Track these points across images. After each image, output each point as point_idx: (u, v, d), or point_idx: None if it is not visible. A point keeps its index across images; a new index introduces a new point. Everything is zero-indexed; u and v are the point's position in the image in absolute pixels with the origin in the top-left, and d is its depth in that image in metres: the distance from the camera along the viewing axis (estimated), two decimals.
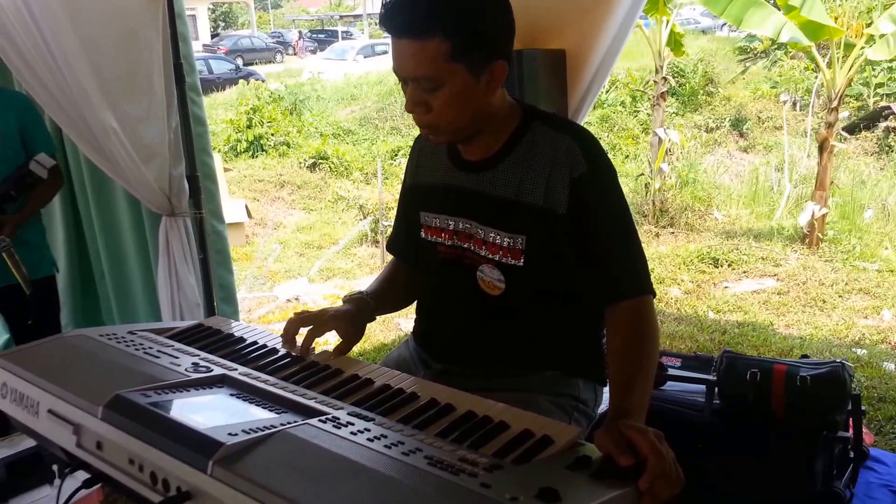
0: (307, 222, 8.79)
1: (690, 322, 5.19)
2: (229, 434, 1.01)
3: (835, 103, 7.00)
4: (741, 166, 10.45)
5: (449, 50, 1.30)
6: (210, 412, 1.14)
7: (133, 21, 2.48)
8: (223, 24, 36.14)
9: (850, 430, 2.46)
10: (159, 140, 2.67)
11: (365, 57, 20.96)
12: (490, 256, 1.45)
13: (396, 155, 10.93)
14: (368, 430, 1.08)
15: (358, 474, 0.93)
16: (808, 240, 7.04)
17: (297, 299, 6.06)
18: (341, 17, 37.84)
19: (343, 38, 28.70)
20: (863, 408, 2.45)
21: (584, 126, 1.63)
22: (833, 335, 4.96)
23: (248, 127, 11.65)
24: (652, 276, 1.45)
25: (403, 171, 1.73)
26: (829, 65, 7.06)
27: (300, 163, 10.67)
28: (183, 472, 0.99)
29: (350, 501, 0.87)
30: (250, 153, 11.38)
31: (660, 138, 8.21)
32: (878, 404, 3.65)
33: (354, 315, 1.56)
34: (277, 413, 1.14)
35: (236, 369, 1.34)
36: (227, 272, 3.19)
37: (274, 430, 1.04)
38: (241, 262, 6.97)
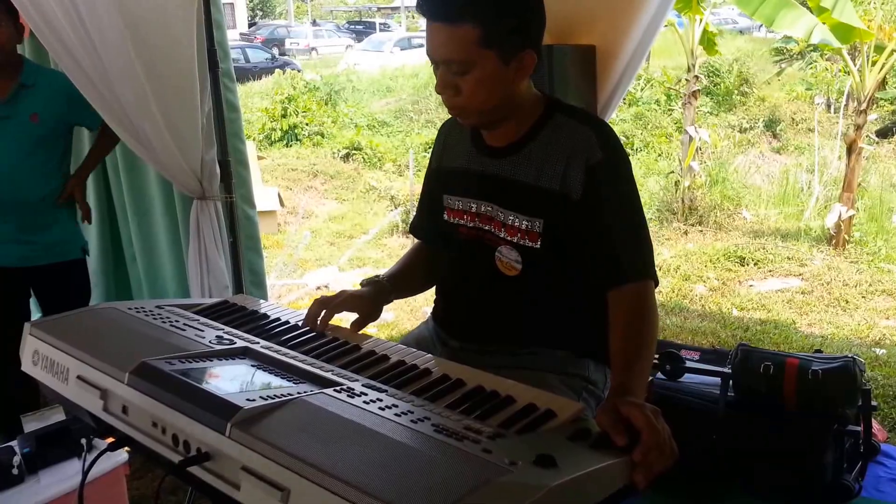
0: (339, 212, 8.88)
1: (714, 318, 5.20)
2: (247, 399, 1.06)
3: (864, 106, 6.95)
4: (773, 167, 10.34)
5: (480, 36, 1.35)
6: (230, 380, 1.19)
7: (169, 6, 2.54)
8: (260, 13, 36.48)
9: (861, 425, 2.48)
10: (192, 124, 2.72)
11: (402, 49, 21.01)
12: (508, 238, 1.49)
13: (429, 147, 10.95)
14: (381, 401, 1.12)
15: (367, 438, 0.97)
16: (834, 241, 7.00)
17: (326, 287, 6.13)
18: (379, 8, 37.96)
19: (380, 30, 28.83)
20: (874, 403, 2.47)
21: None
22: (854, 335, 4.95)
23: (283, 116, 11.77)
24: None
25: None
26: (860, 68, 6.99)
27: (334, 153, 10.76)
28: (203, 434, 1.04)
29: (358, 462, 0.91)
30: (284, 142, 11.50)
31: (690, 136, 8.16)
32: (893, 402, 3.64)
33: (371, 296, 1.61)
34: (295, 383, 1.19)
35: (258, 343, 1.39)
36: (257, 256, 3.25)
37: (290, 397, 1.09)
38: (272, 250, 7.07)
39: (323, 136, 11.55)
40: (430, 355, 1.40)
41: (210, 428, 1.03)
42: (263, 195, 7.23)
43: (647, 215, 7.84)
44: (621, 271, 1.41)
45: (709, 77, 11.92)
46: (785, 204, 8.77)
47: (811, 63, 12.91)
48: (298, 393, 1.12)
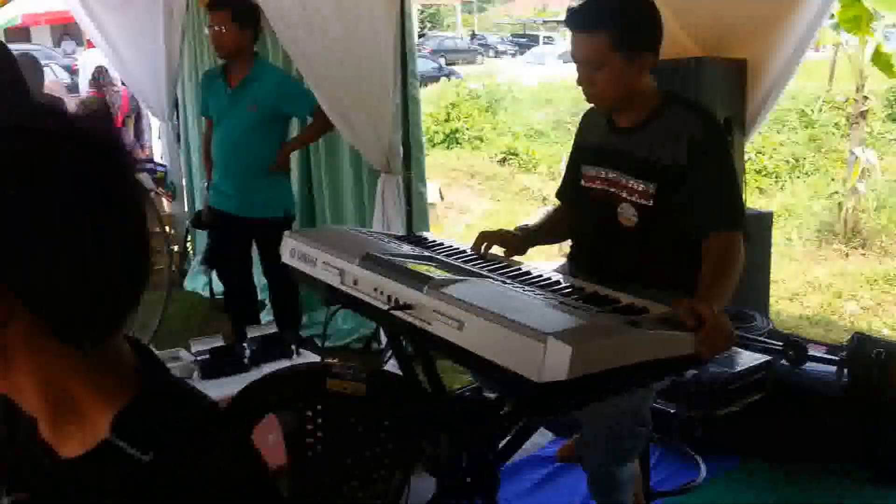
0: (493, 210, 9.49)
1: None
2: (435, 276, 1.61)
3: None
4: None
5: (610, 42, 1.84)
6: (422, 264, 1.75)
7: (377, 13, 3.19)
8: (430, 24, 38.09)
9: None
10: (386, 112, 3.37)
11: (564, 62, 21.38)
12: (628, 197, 1.96)
13: None
14: (532, 291, 1.64)
15: (514, 299, 1.50)
16: None
17: None
18: (544, 21, 38.51)
19: (544, 43, 29.36)
20: None
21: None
22: None
23: (446, 121, 12.57)
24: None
25: None
26: None
27: (491, 157, 11.40)
28: (408, 293, 1.60)
29: (509, 308, 1.43)
30: (446, 144, 12.29)
31: (856, 157, 8.03)
32: None
33: (520, 237, 2.13)
34: (466, 274, 1.73)
35: (439, 255, 1.95)
36: (424, 226, 3.87)
37: (464, 278, 1.63)
38: None
39: (482, 141, 12.23)
40: (575, 278, 1.90)
41: (413, 289, 1.58)
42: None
43: (805, 235, 7.81)
44: (715, 221, 1.84)
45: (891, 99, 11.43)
46: None
47: None
48: (469, 276, 1.66)
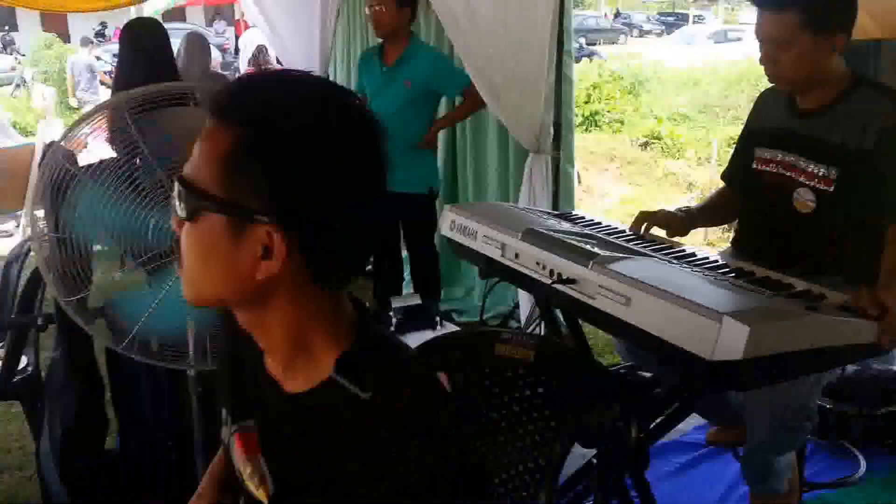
0: (632, 195, 9.27)
1: None
2: (599, 252, 1.62)
3: None
4: None
5: (800, 22, 1.76)
6: (584, 241, 1.76)
7: None
8: (573, 3, 37.29)
9: None
10: (538, 91, 3.37)
11: (715, 42, 20.47)
12: (807, 182, 1.87)
13: (733, 143, 10.83)
14: (700, 271, 1.61)
15: (687, 278, 1.48)
16: None
17: None
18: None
19: (694, 23, 28.18)
20: None
21: None
22: None
23: (586, 102, 12.34)
24: None
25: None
26: None
27: (632, 140, 11.12)
28: (571, 268, 1.61)
29: (678, 285, 1.41)
30: (584, 127, 12.08)
31: None
32: None
33: (682, 218, 2.09)
34: (628, 253, 1.72)
35: (599, 234, 1.95)
36: (570, 207, 3.84)
37: (628, 256, 1.63)
38: None
39: (622, 124, 11.94)
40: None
41: (577, 264, 1.60)
42: None
43: None
44: None
45: None
46: None
47: None
48: (634, 254, 1.65)
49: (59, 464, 2.30)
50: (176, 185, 0.79)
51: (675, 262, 1.66)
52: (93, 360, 2.40)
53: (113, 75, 3.30)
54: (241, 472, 0.90)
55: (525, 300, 3.46)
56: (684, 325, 1.32)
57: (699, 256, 1.81)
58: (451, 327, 3.04)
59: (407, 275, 3.99)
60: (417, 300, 3.17)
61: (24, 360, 2.66)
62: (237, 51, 12.25)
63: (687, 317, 1.32)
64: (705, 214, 2.16)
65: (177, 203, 0.79)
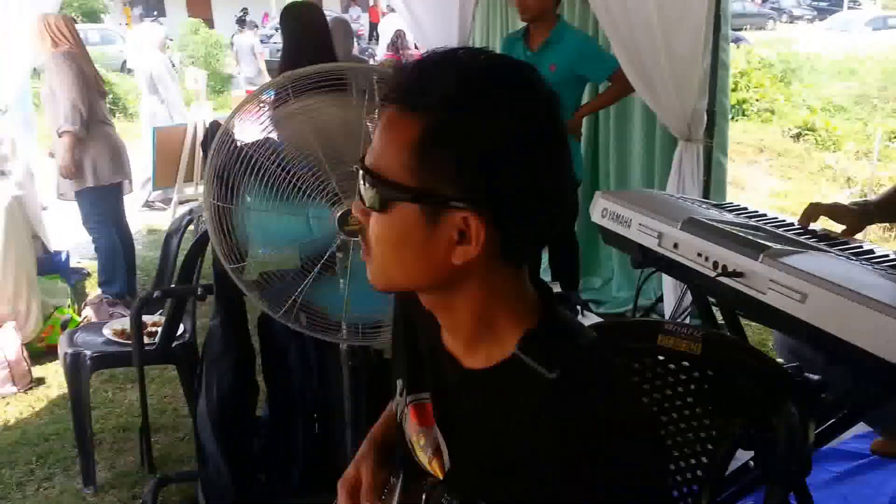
0: (782, 189, 8.77)
1: None
2: (770, 245, 1.52)
3: None
4: None
5: None
6: (753, 233, 1.66)
7: None
8: None
9: None
10: (692, 77, 3.23)
11: (874, 30, 19.03)
12: None
13: (894, 137, 10.04)
14: (883, 270, 1.49)
15: (871, 276, 1.37)
16: None
17: None
18: None
19: (849, 8, 26.26)
20: None
21: None
22: None
23: (733, 90, 11.73)
24: None
25: None
26: None
27: (783, 131, 10.50)
28: (738, 259, 1.53)
29: (865, 286, 1.31)
30: (731, 116, 11.52)
31: None
32: None
33: (857, 213, 1.93)
34: (801, 247, 1.62)
35: (764, 225, 1.84)
36: (722, 198, 3.66)
37: (802, 249, 1.53)
38: None
39: (773, 114, 11.29)
40: None
41: (746, 256, 1.52)
42: None
43: None
44: None
45: None
46: None
47: None
48: (805, 249, 1.55)
49: (215, 426, 2.44)
50: (361, 174, 0.79)
51: (853, 258, 1.54)
52: (247, 331, 2.52)
53: (281, 55, 3.43)
54: (413, 442, 0.91)
55: (670, 293, 3.35)
56: (868, 326, 1.23)
57: (878, 253, 1.67)
58: (592, 318, 2.98)
59: (544, 262, 3.95)
60: (557, 289, 3.13)
61: (181, 328, 2.84)
62: (370, 36, 12.53)
63: (871, 316, 1.22)
64: (884, 210, 1.99)
65: (365, 193, 0.78)
